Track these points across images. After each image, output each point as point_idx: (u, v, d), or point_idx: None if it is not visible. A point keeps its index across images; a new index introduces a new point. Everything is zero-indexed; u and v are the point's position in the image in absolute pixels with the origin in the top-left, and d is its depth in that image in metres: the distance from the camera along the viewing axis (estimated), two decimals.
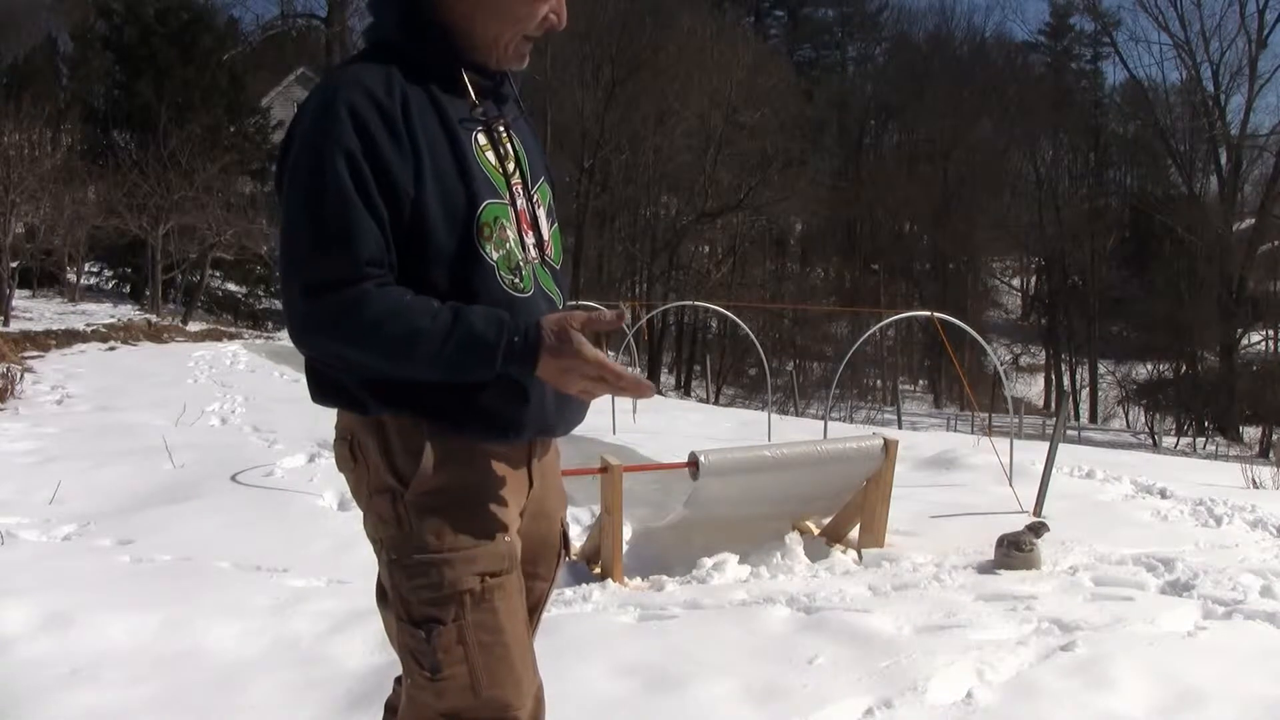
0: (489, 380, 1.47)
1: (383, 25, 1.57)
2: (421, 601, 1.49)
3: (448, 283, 1.48)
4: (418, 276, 1.47)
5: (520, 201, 1.59)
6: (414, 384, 1.47)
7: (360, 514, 1.61)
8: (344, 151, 1.42)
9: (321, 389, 1.55)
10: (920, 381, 44.93)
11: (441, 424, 1.50)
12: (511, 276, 1.54)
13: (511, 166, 1.58)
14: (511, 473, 1.58)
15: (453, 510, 1.51)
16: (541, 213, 1.64)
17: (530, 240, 1.59)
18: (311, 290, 1.42)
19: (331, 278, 1.41)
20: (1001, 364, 31.16)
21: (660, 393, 26.13)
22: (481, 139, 1.55)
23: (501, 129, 1.59)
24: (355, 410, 1.54)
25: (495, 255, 1.52)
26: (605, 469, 4.33)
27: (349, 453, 1.57)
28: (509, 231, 1.55)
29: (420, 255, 1.47)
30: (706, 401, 24.47)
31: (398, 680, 1.80)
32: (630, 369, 1.52)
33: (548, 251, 1.64)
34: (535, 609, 1.73)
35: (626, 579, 4.24)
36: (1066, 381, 43.35)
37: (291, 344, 1.52)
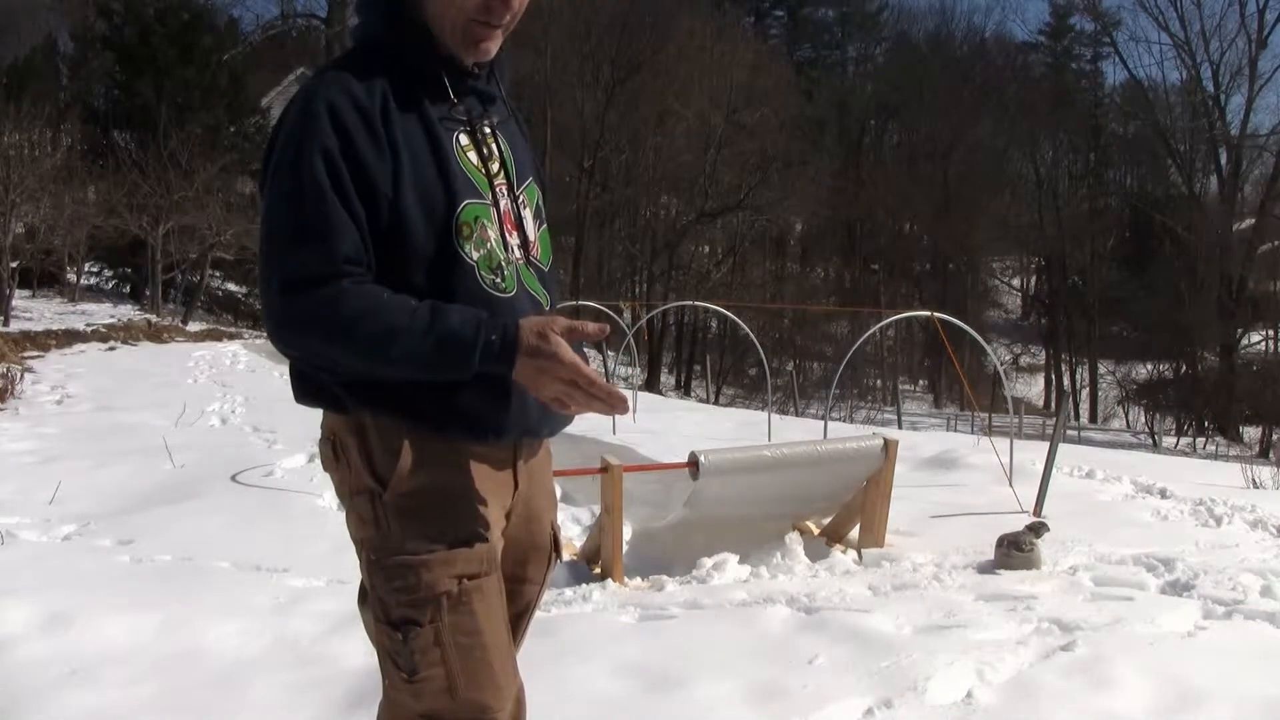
0: (469, 380, 1.46)
1: (368, 24, 1.57)
2: (399, 603, 1.49)
3: (427, 282, 1.48)
4: (397, 276, 1.47)
5: (504, 202, 1.58)
6: (394, 384, 1.47)
7: None
8: (322, 149, 1.42)
9: (303, 389, 1.55)
10: (920, 381, 44.91)
11: (421, 424, 1.50)
12: (493, 276, 1.53)
13: (495, 167, 1.58)
14: (494, 474, 1.57)
15: (431, 512, 1.50)
16: (528, 213, 1.64)
17: (514, 241, 1.59)
18: (288, 287, 1.41)
19: (308, 274, 1.41)
20: (1001, 364, 31.17)
21: (660, 392, 26.13)
22: (463, 139, 1.55)
23: (486, 129, 1.59)
24: (336, 410, 1.53)
25: (475, 255, 1.51)
26: (605, 469, 4.33)
27: (332, 453, 1.57)
28: (490, 231, 1.54)
29: (399, 254, 1.47)
30: (706, 401, 24.46)
31: None
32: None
33: (534, 252, 1.63)
34: (525, 612, 1.72)
35: (626, 579, 4.24)
36: (1066, 381, 43.34)
37: None
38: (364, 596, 1.58)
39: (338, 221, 1.42)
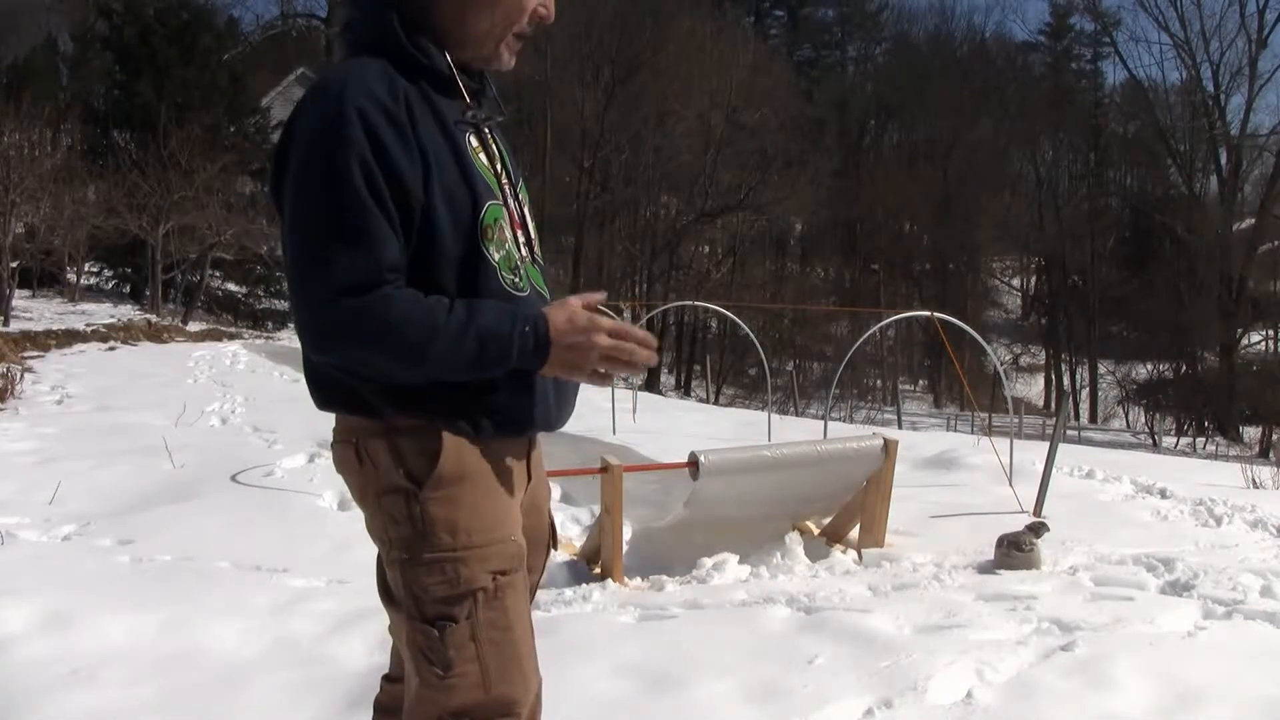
0: (498, 377, 1.49)
1: (373, 26, 1.54)
2: (435, 600, 1.50)
3: (455, 284, 1.50)
4: (426, 278, 1.48)
5: (511, 201, 1.61)
6: (429, 386, 1.48)
7: (359, 514, 1.61)
8: (358, 158, 1.42)
9: (327, 395, 1.55)
10: (920, 381, 44.93)
11: (455, 423, 1.52)
12: (512, 276, 1.56)
13: (499, 167, 1.60)
14: (516, 468, 1.60)
15: (466, 508, 1.52)
16: (526, 211, 1.67)
17: (522, 239, 1.62)
18: (334, 296, 1.41)
19: (353, 283, 1.41)
20: (1001, 364, 31.18)
21: (660, 392, 26.15)
22: (474, 140, 1.57)
23: (487, 130, 1.61)
24: (366, 414, 1.53)
25: (497, 256, 1.54)
26: (605, 469, 4.32)
27: (354, 455, 1.56)
28: (506, 231, 1.57)
29: (429, 257, 1.48)
30: (706, 401, 24.47)
31: (385, 678, 1.80)
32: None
33: (535, 249, 1.67)
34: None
35: (626, 579, 4.24)
36: (1066, 381, 43.36)
37: (293, 344, 1.53)
38: (388, 596, 1.58)
39: (379, 230, 1.43)
